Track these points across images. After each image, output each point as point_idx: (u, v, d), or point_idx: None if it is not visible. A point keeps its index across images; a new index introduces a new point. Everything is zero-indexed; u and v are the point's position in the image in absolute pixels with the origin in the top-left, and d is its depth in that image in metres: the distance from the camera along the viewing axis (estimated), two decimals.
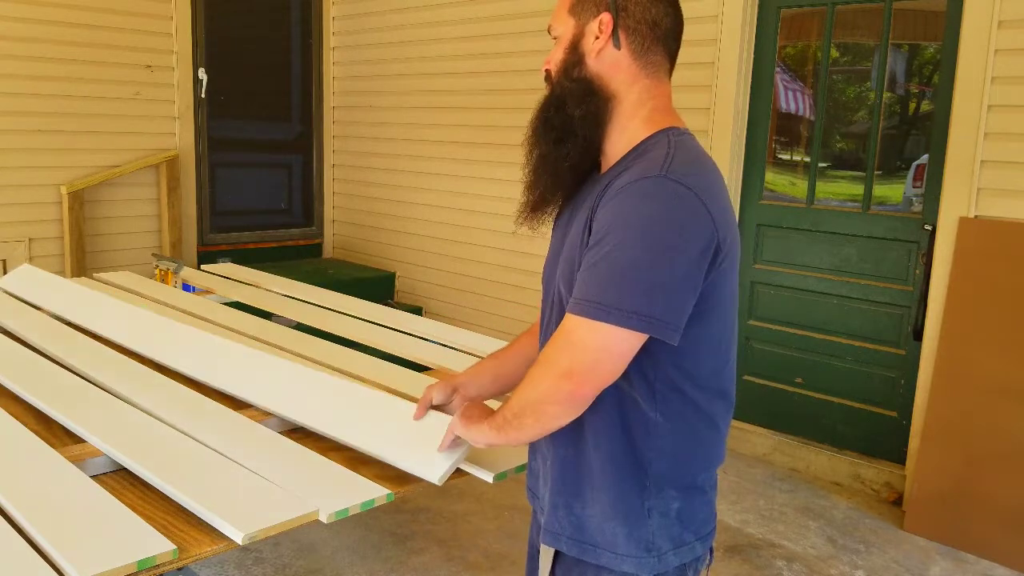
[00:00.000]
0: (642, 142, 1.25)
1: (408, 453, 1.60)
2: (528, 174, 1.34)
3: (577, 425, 1.24)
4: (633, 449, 1.23)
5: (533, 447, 1.42)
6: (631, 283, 1.12)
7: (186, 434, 1.73)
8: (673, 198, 1.14)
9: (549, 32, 1.34)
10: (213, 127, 5.33)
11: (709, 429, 1.28)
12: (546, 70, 1.35)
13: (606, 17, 1.26)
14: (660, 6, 1.27)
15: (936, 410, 3.20)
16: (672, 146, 1.21)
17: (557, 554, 1.31)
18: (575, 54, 1.30)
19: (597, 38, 1.27)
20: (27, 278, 3.08)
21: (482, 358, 2.46)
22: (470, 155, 4.89)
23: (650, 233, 1.13)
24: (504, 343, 2.65)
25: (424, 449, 1.57)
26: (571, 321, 1.17)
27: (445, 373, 2.32)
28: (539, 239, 4.74)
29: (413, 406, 1.68)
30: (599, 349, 1.14)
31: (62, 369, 2.15)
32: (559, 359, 1.17)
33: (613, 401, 1.22)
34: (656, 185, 1.14)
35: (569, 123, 1.27)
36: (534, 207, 1.35)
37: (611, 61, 1.27)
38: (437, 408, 1.62)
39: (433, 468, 1.54)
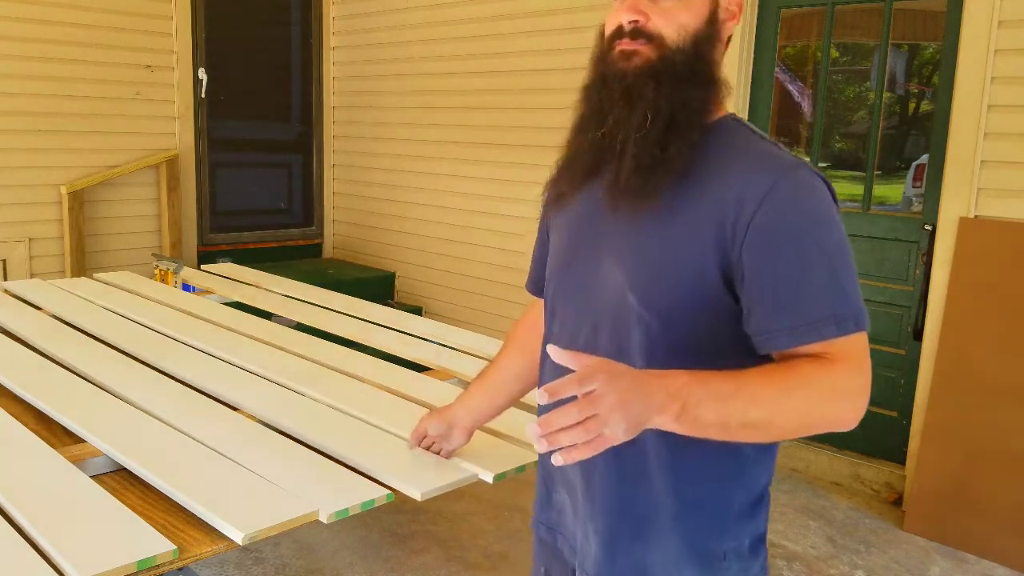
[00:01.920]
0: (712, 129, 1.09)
1: (394, 467, 1.61)
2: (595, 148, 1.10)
3: (641, 463, 1.08)
4: (719, 488, 1.08)
5: (554, 478, 1.22)
6: (855, 285, 1.01)
7: (186, 434, 1.73)
8: (828, 191, 1.03)
9: None
10: (213, 127, 5.33)
11: (774, 454, 1.14)
12: (636, 23, 1.05)
13: None
14: None
15: (936, 410, 3.20)
16: (763, 135, 1.09)
17: None
18: (711, 27, 1.07)
19: (733, 19, 1.09)
20: (32, 288, 3.08)
21: (482, 357, 2.47)
22: (470, 155, 4.89)
23: (836, 229, 1.01)
24: (500, 342, 2.66)
25: (411, 465, 1.58)
26: (847, 344, 0.98)
27: (445, 373, 2.32)
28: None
29: (402, 440, 1.69)
30: (869, 355, 1.01)
31: (62, 369, 2.15)
32: (859, 383, 0.98)
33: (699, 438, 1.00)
34: (811, 179, 1.02)
35: (681, 102, 1.04)
36: (561, 194, 1.17)
37: (724, 49, 1.10)
38: (433, 442, 1.59)
39: (417, 484, 1.54)
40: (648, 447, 1.06)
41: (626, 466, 1.08)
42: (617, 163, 1.06)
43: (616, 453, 1.04)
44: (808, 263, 0.98)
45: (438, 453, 1.61)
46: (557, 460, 0.85)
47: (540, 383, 1.22)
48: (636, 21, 1.05)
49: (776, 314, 0.99)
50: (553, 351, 0.90)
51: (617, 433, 0.86)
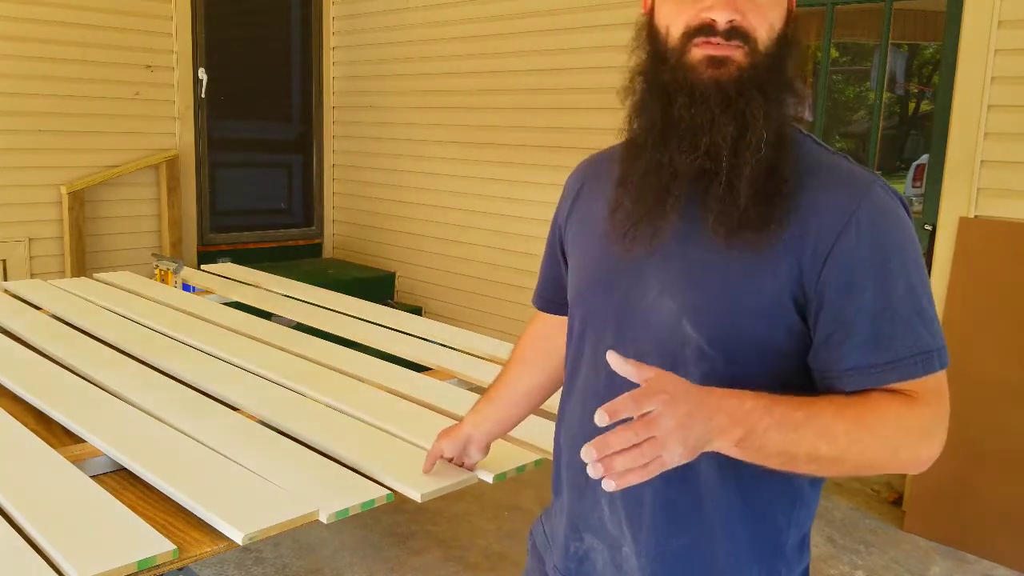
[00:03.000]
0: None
1: (395, 468, 1.60)
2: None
3: (694, 507, 0.98)
4: (773, 527, 1.00)
5: (587, 522, 1.09)
6: (937, 318, 0.94)
7: (186, 434, 1.73)
8: (905, 210, 0.95)
9: None
10: (213, 127, 5.33)
11: (820, 490, 1.06)
12: (734, 24, 0.91)
13: None
14: None
15: None
16: (827, 147, 0.99)
17: None
18: (790, 27, 0.96)
19: (792, 11, 0.98)
20: (32, 288, 3.08)
21: (481, 357, 2.47)
22: (470, 155, 4.89)
23: (918, 257, 0.94)
24: (500, 342, 2.66)
25: (411, 466, 1.58)
26: (930, 381, 0.93)
27: (445, 373, 2.32)
28: (539, 240, 4.68)
29: (402, 441, 1.68)
30: (948, 398, 0.94)
31: (62, 369, 2.15)
32: (939, 424, 0.94)
33: (750, 473, 0.93)
34: (889, 199, 0.93)
35: (775, 114, 0.93)
36: (635, 224, 0.99)
37: None
38: (448, 462, 1.56)
39: (417, 485, 1.53)
40: (702, 492, 0.98)
41: (673, 517, 1.00)
42: (727, 191, 0.92)
43: (665, 504, 0.99)
44: (893, 296, 0.90)
45: (461, 465, 1.58)
46: (608, 486, 0.79)
47: (564, 407, 1.14)
48: (734, 20, 0.91)
49: (856, 351, 0.90)
50: (613, 359, 0.84)
51: (674, 457, 0.81)
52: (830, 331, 0.91)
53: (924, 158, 3.49)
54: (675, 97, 0.93)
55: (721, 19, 0.90)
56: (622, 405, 0.79)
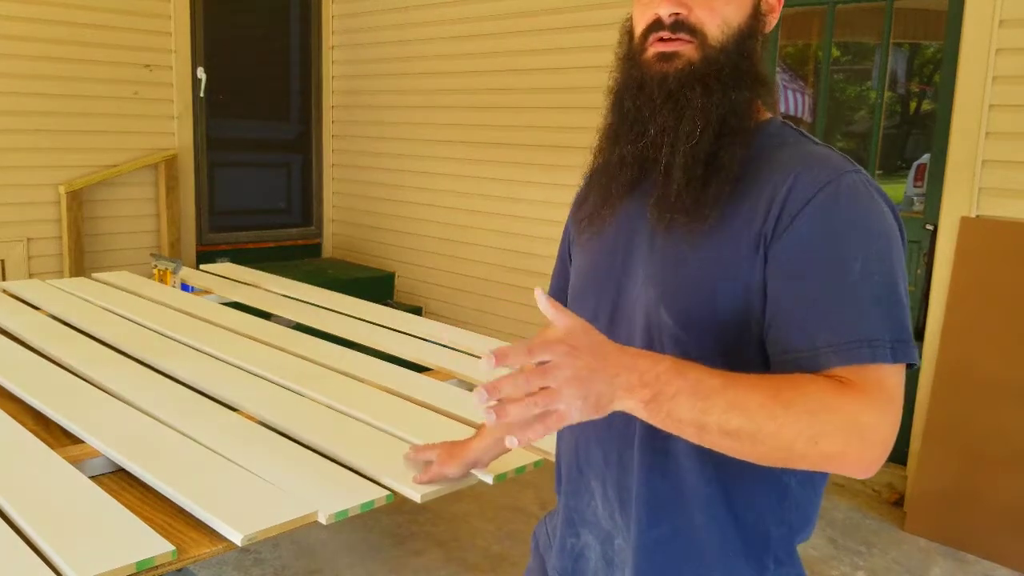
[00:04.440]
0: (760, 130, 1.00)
1: (394, 469, 1.60)
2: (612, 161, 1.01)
3: (675, 498, 0.98)
4: (758, 521, 0.97)
5: (584, 519, 1.09)
6: (903, 309, 0.87)
7: (185, 434, 1.72)
8: (883, 201, 0.92)
9: None
10: (212, 127, 5.32)
11: (823, 480, 1.02)
12: (679, 17, 0.95)
13: None
14: None
15: (937, 410, 3.19)
16: (812, 138, 0.99)
17: None
18: (755, 21, 0.98)
19: (773, 12, 1.00)
20: (31, 288, 3.07)
21: (481, 357, 2.45)
22: (469, 155, 4.88)
23: (888, 246, 0.89)
24: (499, 342, 2.65)
25: (411, 467, 1.57)
26: (875, 372, 0.83)
27: (445, 373, 2.31)
28: (539, 239, 4.67)
29: (402, 442, 1.66)
30: (902, 397, 0.85)
31: (61, 369, 2.14)
32: (879, 423, 0.82)
33: (731, 464, 0.91)
34: (863, 185, 0.91)
35: (728, 108, 0.95)
36: (595, 214, 1.05)
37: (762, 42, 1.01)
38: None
39: (416, 486, 1.52)
40: (683, 482, 0.97)
41: (659, 505, 0.99)
42: (664, 177, 0.96)
43: (648, 494, 0.98)
44: (845, 279, 0.86)
45: None
46: (511, 443, 0.76)
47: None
48: (678, 13, 0.94)
49: (797, 332, 0.87)
50: (539, 296, 0.82)
51: (573, 412, 0.77)
52: (775, 310, 0.89)
53: (925, 158, 3.48)
54: (627, 91, 1.00)
55: (664, 12, 0.95)
56: (514, 352, 0.76)
